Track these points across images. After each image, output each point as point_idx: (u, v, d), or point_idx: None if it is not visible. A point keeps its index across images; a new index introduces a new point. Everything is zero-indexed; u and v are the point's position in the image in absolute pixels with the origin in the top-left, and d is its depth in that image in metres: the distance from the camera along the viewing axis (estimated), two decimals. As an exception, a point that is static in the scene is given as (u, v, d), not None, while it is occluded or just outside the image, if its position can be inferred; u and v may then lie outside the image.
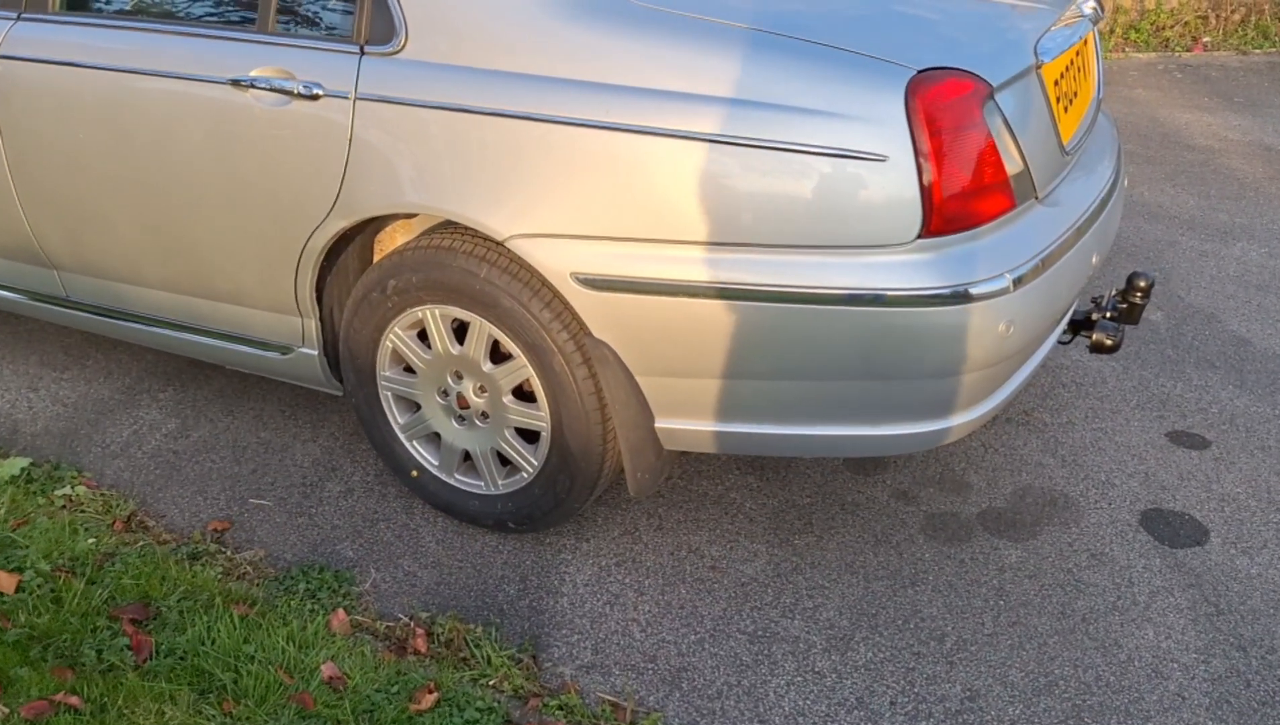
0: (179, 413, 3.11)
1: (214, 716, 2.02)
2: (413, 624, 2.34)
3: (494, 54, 2.17)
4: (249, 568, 2.52)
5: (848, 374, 2.12)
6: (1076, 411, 3.12)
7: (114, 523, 2.64)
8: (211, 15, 2.49)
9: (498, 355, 2.38)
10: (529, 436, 2.47)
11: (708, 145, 2.02)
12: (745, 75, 2.04)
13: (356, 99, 2.26)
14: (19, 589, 2.34)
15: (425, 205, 2.25)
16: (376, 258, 2.63)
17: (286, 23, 2.39)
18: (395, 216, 2.39)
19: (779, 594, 2.43)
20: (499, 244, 2.22)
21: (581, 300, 2.17)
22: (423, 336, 2.47)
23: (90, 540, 2.55)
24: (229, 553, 2.57)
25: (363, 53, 2.29)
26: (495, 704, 2.12)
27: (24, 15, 2.65)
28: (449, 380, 2.48)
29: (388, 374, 2.53)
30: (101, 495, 2.74)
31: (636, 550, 2.57)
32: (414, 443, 2.61)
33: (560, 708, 2.13)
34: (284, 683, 2.11)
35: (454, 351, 2.41)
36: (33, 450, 2.93)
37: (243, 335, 2.72)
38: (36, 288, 2.99)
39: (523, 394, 2.41)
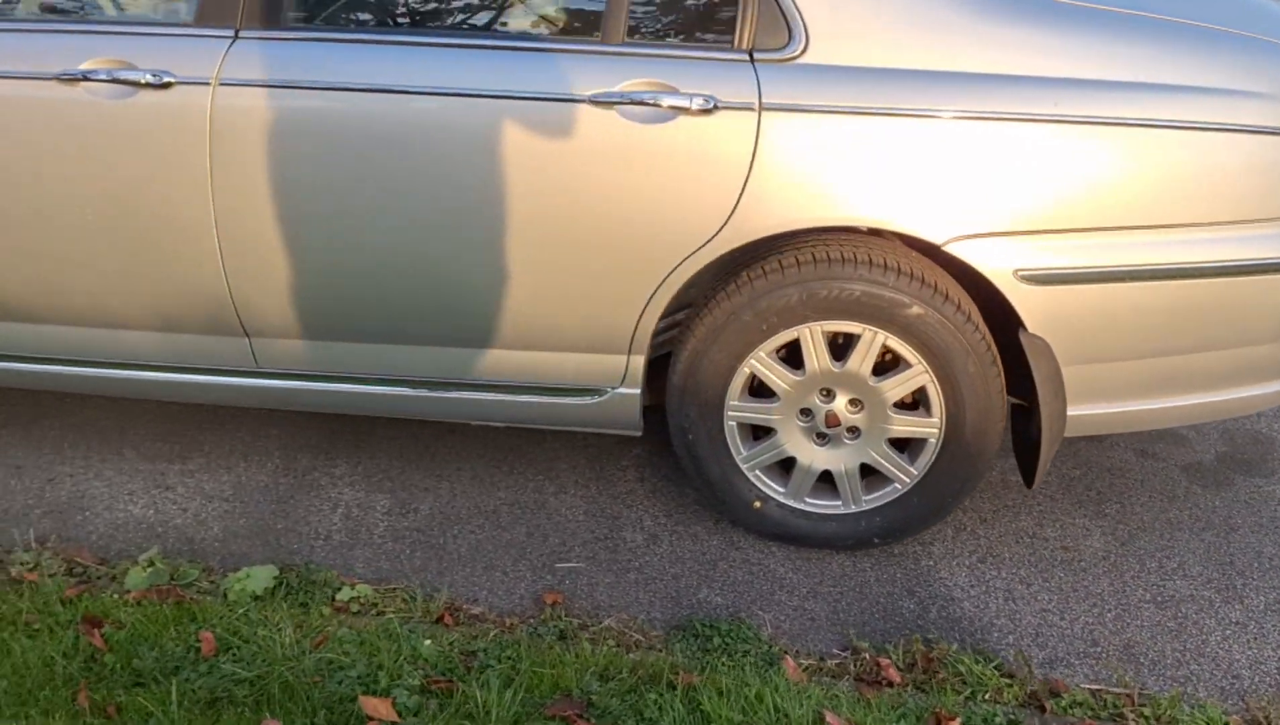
0: (375, 487, 2.70)
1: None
2: (871, 656, 2.21)
3: (912, 54, 2.10)
4: (636, 634, 2.26)
5: (1262, 339, 2.26)
6: None
7: (439, 617, 2.27)
8: (526, 26, 2.19)
9: (876, 367, 2.30)
10: (897, 446, 2.40)
11: (1150, 130, 2.09)
12: (1171, 61, 2.11)
13: (762, 109, 2.09)
14: (399, 712, 1.97)
15: (844, 216, 2.13)
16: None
17: (643, 32, 2.16)
18: (781, 235, 2.23)
19: (1141, 560, 2.54)
20: (937, 248, 2.15)
21: (1022, 297, 2.16)
22: (785, 357, 2.33)
23: (427, 642, 2.18)
24: (586, 623, 2.29)
25: (752, 60, 2.12)
26: (1014, 717, 2.07)
27: (243, 34, 2.19)
28: (816, 400, 2.36)
29: (736, 403, 2.36)
30: (389, 592, 2.34)
31: (984, 545, 2.57)
32: (756, 472, 2.45)
33: (1074, 706, 2.12)
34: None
35: (835, 368, 2.30)
36: (237, 556, 2.44)
37: (534, 384, 2.42)
38: (201, 361, 2.47)
39: (898, 403, 2.35)
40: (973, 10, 2.10)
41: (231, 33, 2.18)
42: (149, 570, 2.33)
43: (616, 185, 2.14)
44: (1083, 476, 2.84)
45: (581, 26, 2.19)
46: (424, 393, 2.45)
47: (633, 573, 2.45)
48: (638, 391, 2.40)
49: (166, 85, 2.15)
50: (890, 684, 2.16)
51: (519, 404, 2.44)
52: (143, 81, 2.15)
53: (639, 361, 2.36)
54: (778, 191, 2.12)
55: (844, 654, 2.24)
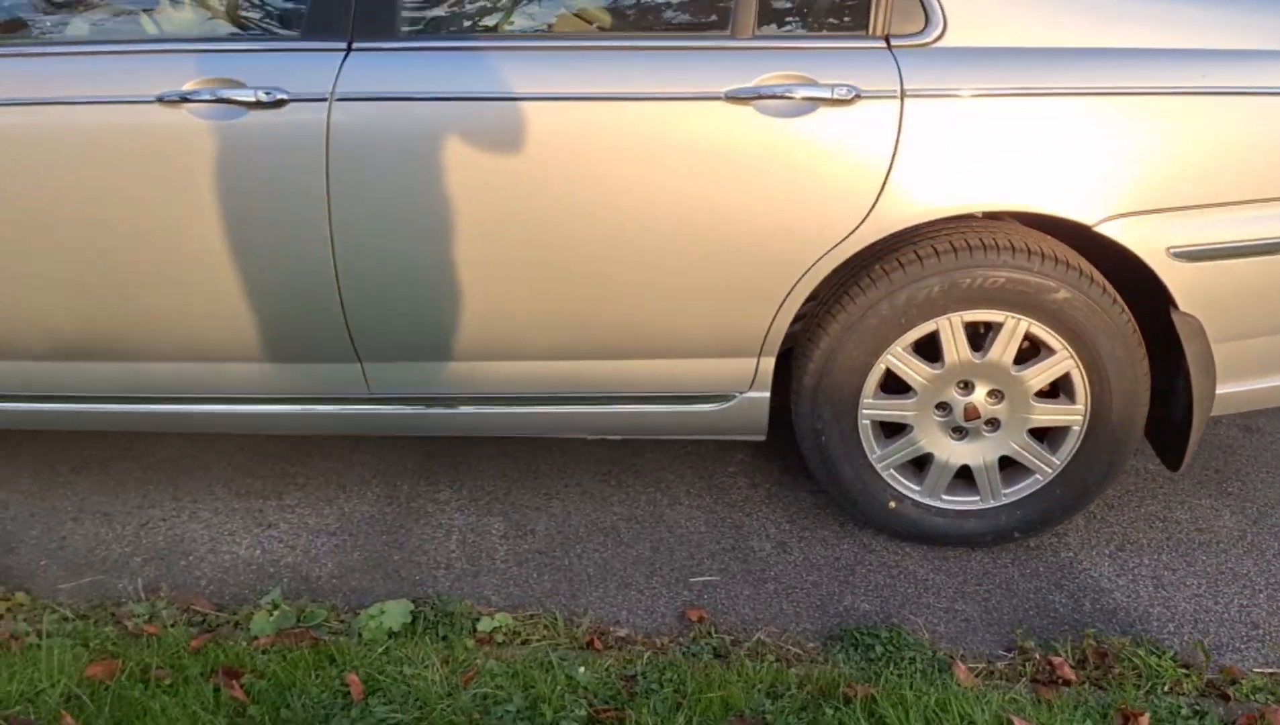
0: (485, 510, 2.60)
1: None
2: (1041, 656, 2.15)
3: (1049, 32, 2.05)
4: (792, 647, 2.18)
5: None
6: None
7: (587, 642, 2.18)
8: (650, 24, 2.11)
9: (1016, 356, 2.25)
10: (1036, 436, 2.34)
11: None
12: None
13: (905, 96, 2.02)
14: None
15: (991, 202, 2.07)
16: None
17: (773, 24, 2.08)
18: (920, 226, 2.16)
19: (1278, 537, 2.49)
20: (1087, 229, 2.09)
21: (1175, 274, 2.11)
22: (920, 350, 2.26)
23: (581, 669, 2.10)
24: (738, 638, 2.21)
25: (889, 46, 2.05)
26: (1199, 707, 2.01)
27: (357, 45, 2.09)
28: (954, 393, 2.29)
29: (870, 400, 2.29)
30: (529, 619, 2.24)
31: (1119, 532, 2.52)
32: (890, 471, 2.38)
33: (1255, 692, 2.06)
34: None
35: (976, 360, 2.23)
36: (359, 592, 2.33)
37: (658, 393, 2.33)
38: (307, 391, 2.36)
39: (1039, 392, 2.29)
40: (1113, -16, 2.04)
41: (344, 45, 2.08)
42: (275, 613, 2.22)
43: (754, 182, 2.07)
44: (1196, 457, 2.80)
45: (708, 22, 2.11)
46: (547, 409, 2.36)
47: (770, 583, 2.37)
48: (766, 394, 2.32)
49: (279, 103, 2.05)
50: (1066, 683, 2.10)
51: (642, 414, 2.35)
52: (254, 100, 2.04)
53: (768, 363, 2.28)
54: (922, 180, 2.06)
55: (1010, 655, 2.17)
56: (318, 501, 2.63)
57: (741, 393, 2.32)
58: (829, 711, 1.96)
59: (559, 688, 2.01)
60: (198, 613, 2.26)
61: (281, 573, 2.39)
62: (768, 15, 2.08)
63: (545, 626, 2.22)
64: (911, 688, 2.01)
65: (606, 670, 2.09)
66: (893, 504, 2.38)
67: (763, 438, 2.43)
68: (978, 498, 2.38)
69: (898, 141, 2.03)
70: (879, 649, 2.16)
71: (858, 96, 2.02)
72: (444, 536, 2.51)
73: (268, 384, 2.34)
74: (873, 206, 2.07)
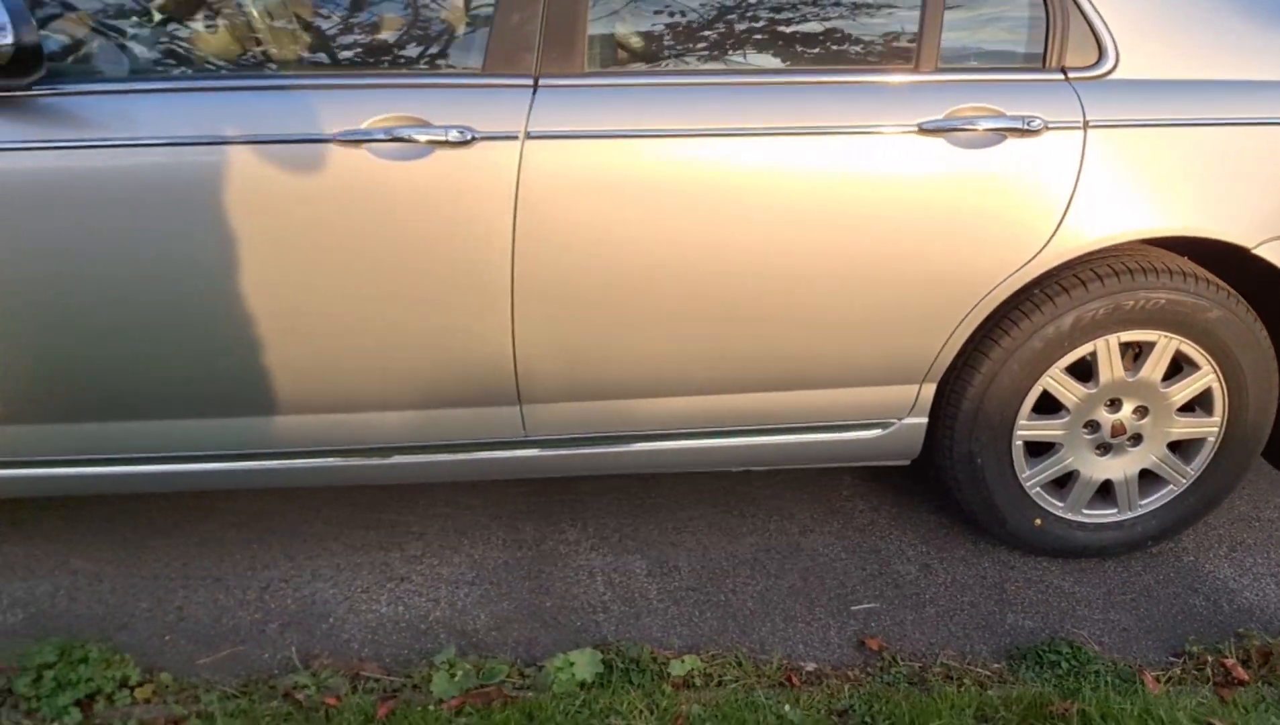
0: (619, 549, 2.55)
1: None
2: (1213, 659, 2.24)
3: (1212, 65, 2.16)
4: (979, 669, 2.22)
5: None
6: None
7: (784, 679, 2.16)
8: (834, 60, 2.12)
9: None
10: (1172, 447, 2.46)
11: None
12: None
13: (1087, 127, 2.09)
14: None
15: (1164, 227, 2.16)
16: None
17: (950, 58, 2.12)
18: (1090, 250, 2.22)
19: (1365, 530, 2.68)
20: (1247, 251, 2.20)
21: (1316, 291, 2.24)
22: (1073, 371, 2.33)
23: (787, 707, 2.08)
24: (925, 663, 2.23)
25: (1067, 78, 2.12)
26: (1369, 697, 2.15)
27: (544, 81, 2.01)
28: (1102, 411, 2.37)
29: (1024, 422, 2.35)
30: (715, 660, 2.21)
31: (1224, 535, 2.66)
32: (1037, 489, 2.44)
33: None
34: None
35: (1128, 378, 2.32)
36: (525, 643, 2.25)
37: (819, 423, 2.34)
38: (460, 435, 2.26)
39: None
40: (1262, 22, 2.16)
41: (530, 81, 2.00)
42: (456, 673, 2.11)
43: (939, 211, 2.09)
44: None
45: (892, 56, 2.12)
46: (706, 442, 2.32)
47: (929, 605, 2.39)
48: (925, 420, 2.35)
49: (468, 142, 1.95)
50: (1241, 683, 2.19)
51: (803, 444, 2.35)
52: (443, 139, 1.94)
53: (930, 389, 2.32)
54: (1100, 208, 2.12)
55: (1179, 659, 2.26)
56: (442, 549, 2.52)
57: (900, 419, 2.35)
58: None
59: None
60: (366, 678, 2.13)
61: (435, 628, 2.28)
62: (948, 49, 2.11)
63: (734, 666, 2.19)
64: (1110, 701, 2.07)
65: (814, 707, 2.07)
66: (1039, 522, 2.45)
67: (908, 463, 2.46)
68: (1115, 510, 2.47)
69: (1080, 171, 2.10)
70: (1064, 665, 2.21)
71: (1046, 127, 2.07)
72: (588, 579, 2.44)
73: (419, 431, 2.23)
74: (1053, 234, 2.12)
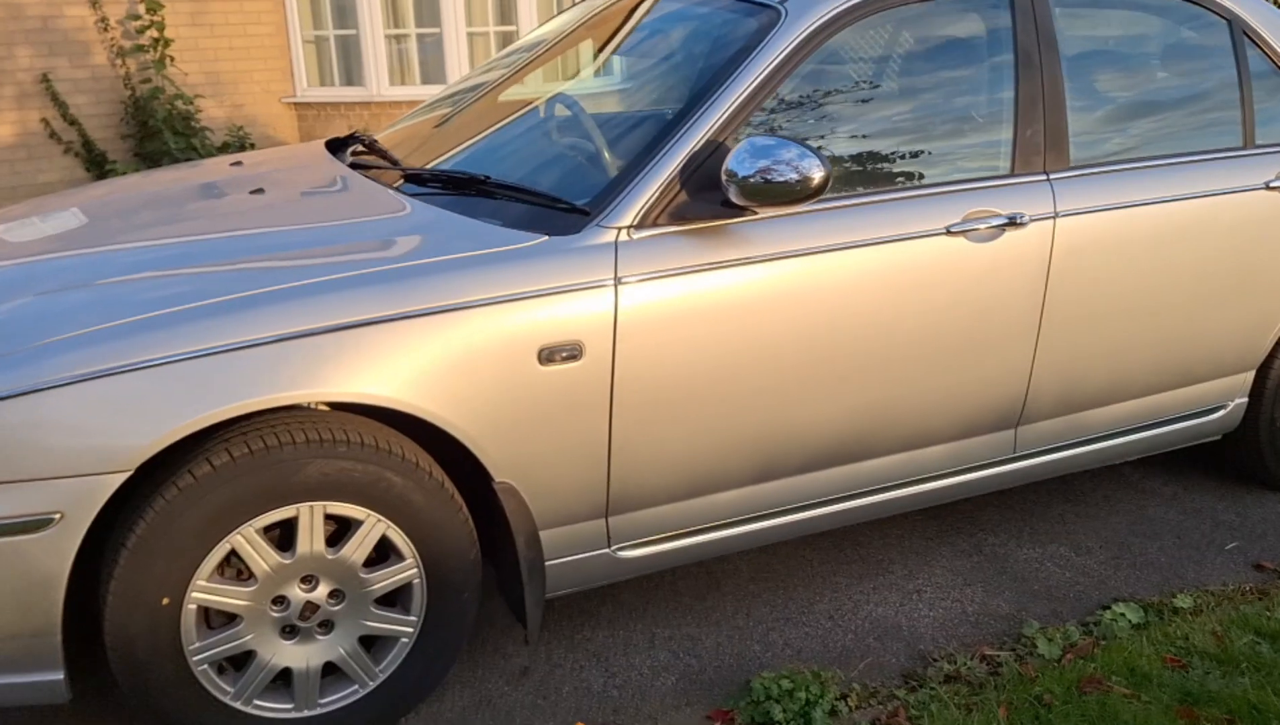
0: (1041, 542, 3.20)
1: None
2: None
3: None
4: (1348, 565, 3.08)
5: None
6: None
7: (1234, 594, 2.91)
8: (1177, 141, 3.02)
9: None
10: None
11: None
12: None
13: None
14: None
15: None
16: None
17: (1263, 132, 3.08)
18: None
19: None
20: None
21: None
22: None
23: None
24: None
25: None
26: None
27: (1052, 175, 2.76)
28: None
29: (1300, 390, 3.30)
30: (1202, 596, 2.93)
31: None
32: (1306, 442, 3.39)
33: None
34: None
35: None
36: (1039, 615, 2.86)
37: (1173, 416, 3.16)
38: (967, 461, 2.90)
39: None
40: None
41: (1043, 176, 2.74)
42: (1051, 638, 2.69)
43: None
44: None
45: (1218, 137, 3.03)
46: (1112, 442, 3.07)
47: (1271, 536, 3.24)
48: (1246, 399, 3.24)
49: (1024, 224, 2.65)
50: None
51: (1163, 434, 3.14)
52: (1013, 223, 2.63)
53: (1250, 374, 3.20)
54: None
55: None
56: (921, 566, 3.07)
57: (1233, 401, 3.21)
58: None
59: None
60: (989, 655, 2.66)
61: (978, 616, 2.82)
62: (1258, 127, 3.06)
63: (1200, 596, 2.90)
64: None
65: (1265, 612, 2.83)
66: (1308, 463, 3.37)
67: (1219, 437, 3.32)
68: None
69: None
70: (1394, 549, 3.12)
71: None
72: (1038, 565, 3.07)
73: (946, 460, 2.83)
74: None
